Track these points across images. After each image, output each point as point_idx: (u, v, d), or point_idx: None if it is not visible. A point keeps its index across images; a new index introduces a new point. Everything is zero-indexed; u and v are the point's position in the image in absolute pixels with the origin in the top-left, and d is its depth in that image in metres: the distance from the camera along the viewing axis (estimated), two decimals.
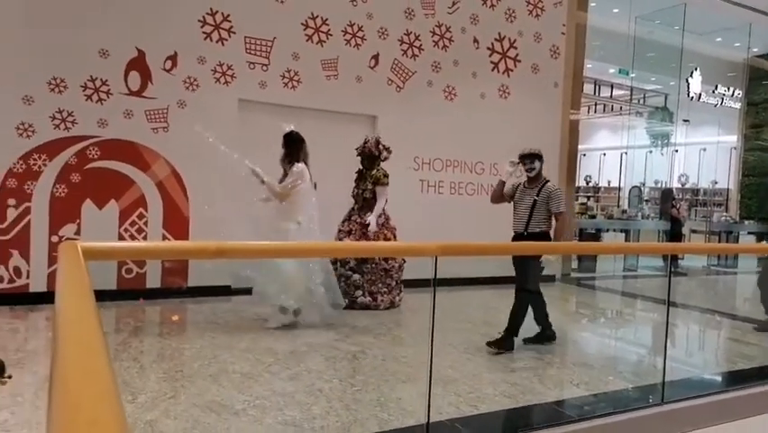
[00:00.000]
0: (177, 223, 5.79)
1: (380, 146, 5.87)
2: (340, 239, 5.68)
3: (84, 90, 5.39)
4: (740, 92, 12.76)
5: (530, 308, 4.57)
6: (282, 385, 3.35)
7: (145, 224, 5.65)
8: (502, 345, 4.31)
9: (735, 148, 13.45)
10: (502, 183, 4.77)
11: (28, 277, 5.23)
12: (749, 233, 11.56)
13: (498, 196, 4.80)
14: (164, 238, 5.66)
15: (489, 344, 4.33)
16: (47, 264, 5.24)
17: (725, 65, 12.80)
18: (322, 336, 4.58)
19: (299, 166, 4.99)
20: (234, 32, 6.00)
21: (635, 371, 4.52)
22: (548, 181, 4.67)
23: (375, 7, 6.75)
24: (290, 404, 3.07)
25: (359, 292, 5.56)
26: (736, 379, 4.30)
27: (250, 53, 6.10)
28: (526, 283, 4.56)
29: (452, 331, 4.91)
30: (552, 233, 4.57)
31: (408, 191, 7.13)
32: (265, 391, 3.25)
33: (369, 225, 5.60)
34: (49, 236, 5.30)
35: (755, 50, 12.42)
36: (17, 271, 5.21)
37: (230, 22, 5.97)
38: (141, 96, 5.63)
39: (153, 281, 5.68)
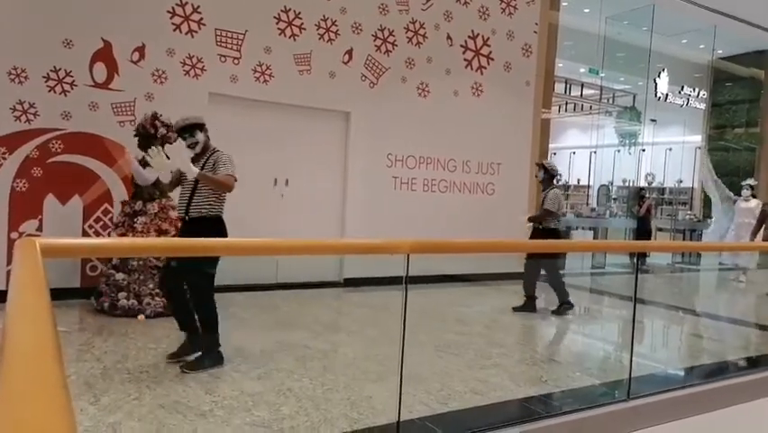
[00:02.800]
0: None
1: (157, 122, 5.06)
2: (108, 234, 5.06)
3: (46, 81, 5.21)
4: (705, 93, 13.09)
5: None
6: (251, 385, 3.30)
7: (111, 220, 5.50)
8: (193, 365, 3.53)
9: (699, 148, 13.81)
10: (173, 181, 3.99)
11: None
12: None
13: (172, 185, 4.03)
14: None
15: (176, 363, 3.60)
16: (5, 262, 5.06)
17: (691, 66, 13.12)
18: (294, 334, 4.53)
19: None
20: (205, 24, 5.88)
21: (602, 367, 4.60)
22: (217, 151, 3.87)
23: (349, 2, 6.69)
24: (259, 404, 3.03)
25: (122, 294, 4.74)
26: (699, 374, 4.42)
27: (220, 46, 5.99)
28: (188, 283, 3.69)
29: (424, 329, 4.92)
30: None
31: (382, 188, 7.12)
32: (233, 391, 3.19)
33: (137, 213, 4.91)
34: (8, 233, 5.11)
35: (720, 52, 12.76)
36: None
37: (200, 13, 5.84)
38: (106, 89, 5.47)
39: None
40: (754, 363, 4.64)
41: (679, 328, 6.57)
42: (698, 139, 13.80)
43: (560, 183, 16.93)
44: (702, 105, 13.17)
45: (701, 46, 12.43)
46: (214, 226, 3.72)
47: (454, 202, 7.67)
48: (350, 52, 6.76)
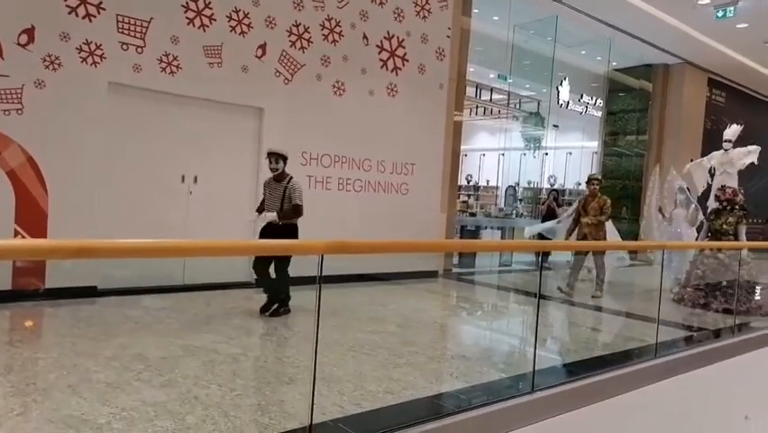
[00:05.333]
0: (32, 217, 5.18)
1: None
2: None
3: None
4: (601, 102, 14.06)
5: None
6: (153, 394, 3.10)
7: None
8: None
9: (596, 153, 14.80)
10: None
11: None
12: None
13: None
14: (16, 234, 5.03)
15: None
16: None
17: (589, 76, 14.02)
18: (201, 337, 4.33)
19: None
20: (104, 9, 5.48)
21: (509, 361, 4.79)
22: None
23: None
24: (162, 414, 2.85)
25: None
26: (596, 364, 4.70)
27: (122, 33, 5.61)
28: None
29: (338, 329, 4.89)
30: None
31: None
32: (133, 401, 2.99)
33: None
34: None
35: (614, 63, 13.74)
36: None
37: None
38: None
39: (2, 283, 5.03)
40: (641, 352, 5.01)
41: (576, 321, 6.98)
42: (594, 144, 14.79)
43: (470, 183, 17.61)
44: (599, 113, 14.12)
45: (598, 58, 13.33)
46: None
47: (369, 201, 7.70)
48: (263, 47, 6.58)
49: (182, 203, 6.21)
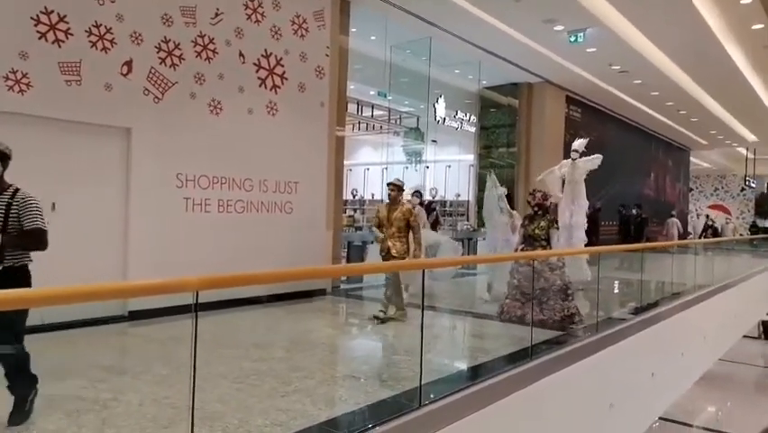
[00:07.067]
0: None
1: None
2: None
3: None
4: (474, 118, 14.92)
5: None
6: None
7: None
8: None
9: (472, 165, 15.66)
10: None
11: None
12: (484, 239, 13.51)
13: None
14: None
15: None
16: None
17: (463, 94, 14.84)
18: (64, 384, 3.92)
19: None
20: None
21: (397, 376, 4.86)
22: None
23: (126, 9, 6.13)
24: None
25: None
26: (479, 371, 4.92)
27: None
28: None
29: (222, 359, 4.67)
30: None
31: (171, 211, 6.63)
32: None
33: None
34: None
35: (485, 82, 14.68)
36: None
37: None
38: None
39: None
40: (522, 354, 5.32)
41: (461, 330, 7.28)
42: (470, 157, 15.64)
43: (356, 198, 17.77)
44: (473, 129, 14.97)
45: (470, 77, 14.15)
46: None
47: (252, 222, 7.49)
48: (129, 64, 6.19)
49: None
